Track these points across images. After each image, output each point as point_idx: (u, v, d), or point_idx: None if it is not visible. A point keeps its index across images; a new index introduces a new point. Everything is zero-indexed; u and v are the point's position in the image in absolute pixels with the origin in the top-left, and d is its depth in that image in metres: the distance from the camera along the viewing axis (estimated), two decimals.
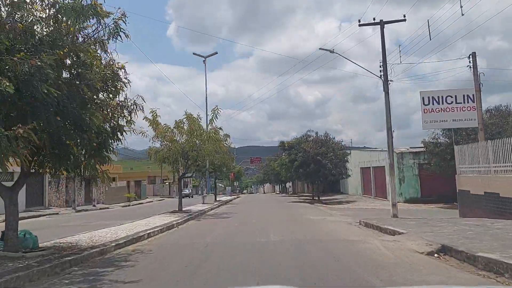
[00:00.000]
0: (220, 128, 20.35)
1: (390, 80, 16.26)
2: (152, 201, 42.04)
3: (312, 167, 30.52)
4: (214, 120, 20.04)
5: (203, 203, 28.75)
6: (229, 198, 40.89)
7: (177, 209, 20.77)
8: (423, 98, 15.06)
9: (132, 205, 35.93)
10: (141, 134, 20.20)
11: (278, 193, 78.87)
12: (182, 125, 19.61)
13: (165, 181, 63.51)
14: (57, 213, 24.19)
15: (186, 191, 48.87)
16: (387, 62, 16.15)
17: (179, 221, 15.87)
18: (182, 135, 19.78)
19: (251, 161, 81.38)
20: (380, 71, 16.28)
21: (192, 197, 45.57)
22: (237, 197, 45.54)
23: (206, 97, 32.81)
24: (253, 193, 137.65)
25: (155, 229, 12.52)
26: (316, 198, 35.88)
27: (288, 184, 71.28)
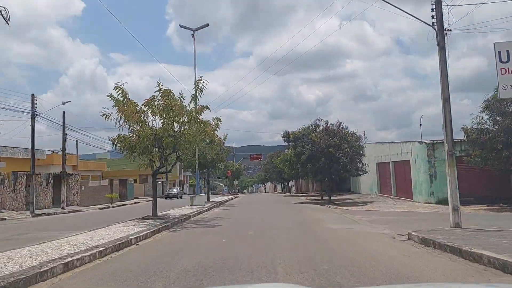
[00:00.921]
0: (207, 107, 15.27)
1: (447, 30, 11.27)
2: (138, 202, 37.10)
3: (323, 162, 25.58)
4: (199, 95, 15.06)
5: (192, 205, 23.82)
6: (225, 198, 35.91)
7: (151, 214, 15.83)
8: (499, 52, 10.20)
9: (113, 207, 30.98)
10: (104, 116, 15.43)
11: (280, 193, 73.90)
12: (154, 102, 14.59)
13: (157, 180, 58.51)
14: (4, 219, 19.26)
15: (174, 191, 44.11)
16: (443, 3, 11.16)
17: (142, 233, 10.93)
18: (156, 116, 14.80)
19: (251, 159, 76.44)
20: (433, 17, 11.29)
21: (181, 197, 40.31)
22: (235, 197, 40.69)
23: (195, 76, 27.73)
24: (253, 192, 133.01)
25: (86, 254, 7.57)
26: (326, 198, 30.92)
27: (291, 183, 66.28)
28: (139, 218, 15.30)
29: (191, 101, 15.02)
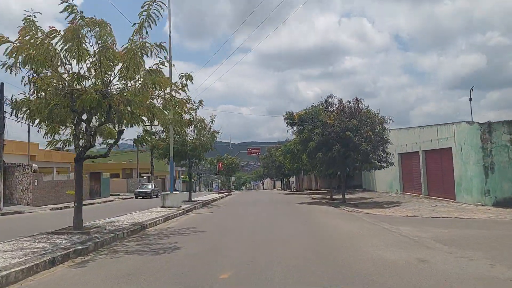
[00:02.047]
0: (160, 46, 9.02)
1: None
2: (112, 200, 30.96)
3: (338, 150, 19.53)
4: (148, 27, 8.87)
5: (163, 207, 17.80)
6: (214, 197, 29.80)
7: (72, 225, 9.79)
8: None
9: (72, 207, 24.83)
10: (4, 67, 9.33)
11: (280, 190, 67.87)
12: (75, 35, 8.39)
13: (142, 175, 52.50)
14: None
15: (148, 188, 34.92)
16: None
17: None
18: (80, 59, 8.62)
19: (249, 152, 70.33)
20: None
21: (156, 196, 31.90)
22: (227, 195, 34.66)
23: (170, 35, 21.54)
24: (251, 189, 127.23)
25: None
26: (337, 197, 24.97)
27: (292, 179, 60.28)
28: (48, 233, 9.26)
29: (133, 35, 8.81)
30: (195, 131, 21.97)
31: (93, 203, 28.11)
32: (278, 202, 23.55)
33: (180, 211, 16.44)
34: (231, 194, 37.26)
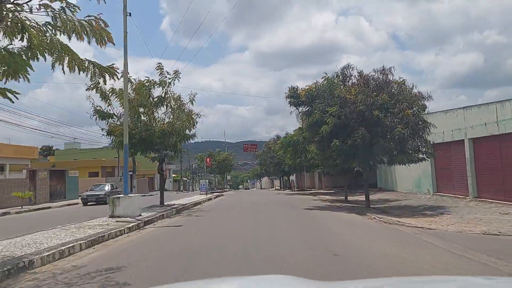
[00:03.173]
0: None
1: None
2: (76, 204, 25.22)
3: (362, 136, 13.93)
4: None
5: (112, 216, 12.21)
6: (198, 198, 24.07)
7: None
8: None
9: (20, 212, 19.22)
10: None
11: (279, 189, 62.25)
12: None
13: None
14: None
15: (104, 189, 24.40)
16: None
17: None
18: None
19: (245, 149, 64.69)
20: None
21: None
22: (217, 197, 28.96)
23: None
24: (248, 188, 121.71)
25: None
26: (352, 198, 19.53)
27: (292, 178, 54.68)
28: None
29: None
30: (169, 113, 16.38)
31: (47, 208, 22.41)
32: (279, 206, 17.92)
33: (132, 224, 10.84)
34: (222, 195, 31.63)
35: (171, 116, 16.52)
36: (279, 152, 35.28)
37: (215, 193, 33.18)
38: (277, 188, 69.53)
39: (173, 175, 73.90)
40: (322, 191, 36.67)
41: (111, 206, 12.41)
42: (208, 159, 33.44)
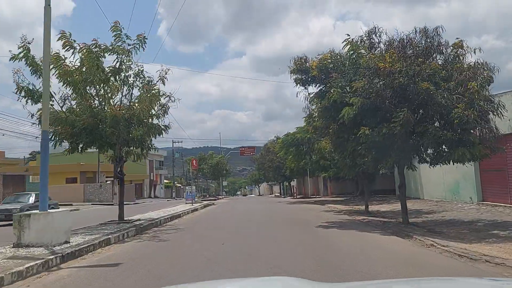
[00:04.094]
0: None
1: None
2: None
3: (405, 119, 9.40)
4: None
5: (16, 246, 7.51)
6: (180, 210, 19.32)
7: None
8: None
9: None
10: None
11: (279, 195, 57.51)
12: None
13: (107, 179, 42.22)
14: None
15: (23, 201, 16.92)
16: None
17: None
18: None
19: (241, 152, 60.10)
20: None
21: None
22: (206, 206, 24.08)
23: None
24: (246, 195, 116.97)
25: None
26: (374, 209, 15.01)
27: (293, 183, 50.02)
28: None
29: None
30: (127, 91, 11.81)
31: None
32: (282, 222, 13.23)
33: (36, 262, 6.25)
34: (213, 204, 26.93)
35: (132, 99, 11.94)
36: (279, 154, 30.74)
37: (205, 202, 28.49)
38: (276, 194, 64.83)
39: (165, 181, 69.10)
40: (329, 198, 32.05)
41: (17, 229, 7.76)
42: (194, 161, 28.80)
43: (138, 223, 12.23)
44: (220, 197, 49.03)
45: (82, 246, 8.00)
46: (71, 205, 35.58)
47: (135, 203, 38.61)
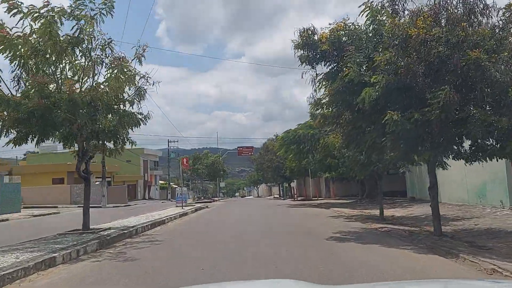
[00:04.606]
0: None
1: None
2: None
3: (448, 101, 7.14)
4: None
5: None
6: (165, 215, 16.89)
7: None
8: None
9: None
10: None
11: (278, 197, 55.19)
12: None
13: (96, 180, 39.76)
14: None
15: None
16: None
17: None
18: None
19: (239, 152, 57.84)
20: None
21: None
22: (197, 210, 21.64)
23: None
24: (245, 196, 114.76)
25: None
26: (403, 218, 12.71)
27: (293, 184, 47.70)
28: None
29: None
30: (90, 68, 9.48)
31: None
32: (283, 231, 10.88)
33: None
34: (206, 207, 24.57)
35: (98, 79, 9.62)
36: (279, 153, 28.45)
37: (198, 204, 26.17)
38: (275, 196, 62.51)
39: (160, 182, 66.62)
40: (332, 201, 29.76)
41: None
42: (184, 160, 26.44)
43: (105, 233, 9.90)
44: (216, 199, 46.62)
45: (4, 272, 5.68)
46: (56, 207, 33.30)
47: (126, 205, 36.26)
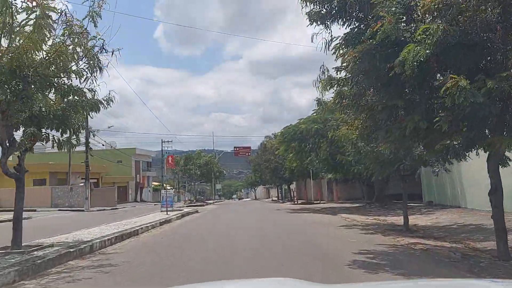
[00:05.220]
0: None
1: None
2: None
3: None
4: None
5: None
6: (142, 223, 14.07)
7: None
8: None
9: None
10: None
11: (276, 200, 52.46)
12: None
13: (82, 181, 37.03)
14: None
15: None
16: None
17: None
18: None
19: (236, 153, 55.15)
20: None
21: None
22: (184, 216, 18.78)
23: None
24: (242, 198, 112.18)
25: None
26: (430, 229, 10.04)
27: (292, 186, 45.01)
28: None
29: None
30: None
31: None
32: (290, 260, 8.11)
33: None
34: (196, 212, 21.84)
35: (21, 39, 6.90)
36: (278, 152, 25.79)
37: (188, 209, 23.43)
38: (273, 199, 59.79)
39: (154, 184, 63.67)
40: (336, 204, 27.09)
41: None
42: (170, 158, 23.66)
43: (41, 253, 7.18)
44: (209, 202, 43.85)
45: None
46: (35, 210, 30.57)
47: (113, 209, 33.52)
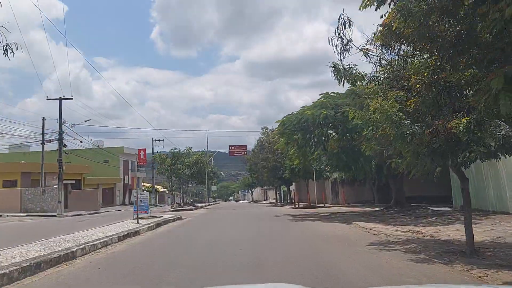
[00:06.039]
0: None
1: None
2: None
3: None
4: None
5: None
6: (83, 242, 10.26)
7: None
8: None
9: None
10: None
11: (274, 202, 48.77)
12: None
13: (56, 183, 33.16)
14: None
15: None
16: None
17: None
18: None
19: (231, 152, 51.46)
20: None
21: None
22: (160, 225, 15.10)
23: None
24: (239, 200, 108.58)
25: None
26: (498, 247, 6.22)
27: (292, 187, 41.34)
28: None
29: None
30: None
31: None
32: None
33: None
34: (179, 218, 18.09)
35: None
36: (278, 146, 22.12)
37: (168, 215, 19.67)
38: (271, 201, 56.08)
39: (145, 185, 59.86)
40: (343, 209, 23.47)
41: None
42: (140, 152, 19.63)
43: None
44: (200, 205, 40.05)
45: None
46: (0, 216, 26.85)
47: (93, 213, 29.79)
